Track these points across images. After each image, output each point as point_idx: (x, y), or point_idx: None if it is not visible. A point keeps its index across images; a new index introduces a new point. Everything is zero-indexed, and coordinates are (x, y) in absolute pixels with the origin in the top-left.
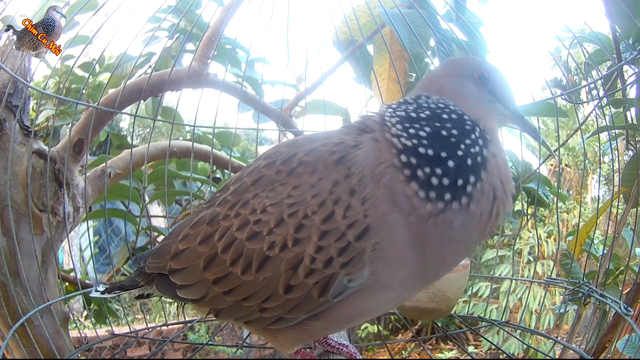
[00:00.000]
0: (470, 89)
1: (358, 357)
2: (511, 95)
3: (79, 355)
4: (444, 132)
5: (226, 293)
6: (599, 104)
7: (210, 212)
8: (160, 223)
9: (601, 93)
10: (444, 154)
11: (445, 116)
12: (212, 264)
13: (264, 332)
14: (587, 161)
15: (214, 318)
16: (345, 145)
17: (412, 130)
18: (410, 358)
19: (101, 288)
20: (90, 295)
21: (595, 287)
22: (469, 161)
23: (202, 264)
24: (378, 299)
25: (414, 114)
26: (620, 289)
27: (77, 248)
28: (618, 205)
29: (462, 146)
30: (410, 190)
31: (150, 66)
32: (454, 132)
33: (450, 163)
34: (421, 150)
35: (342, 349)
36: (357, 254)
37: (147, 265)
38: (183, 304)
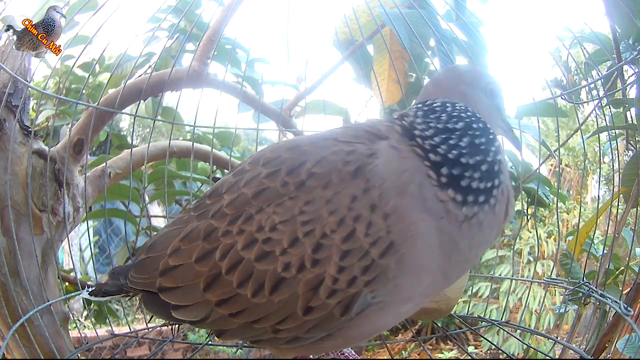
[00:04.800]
0: (485, 101)
1: (358, 358)
2: (505, 109)
3: (79, 355)
4: (476, 141)
5: (233, 315)
6: (599, 104)
7: (204, 226)
8: (160, 223)
9: (601, 93)
10: (479, 159)
11: (475, 125)
12: (215, 285)
13: (271, 348)
14: (587, 161)
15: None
16: (359, 154)
17: (452, 142)
18: (410, 358)
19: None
20: (82, 296)
21: (595, 287)
22: (495, 167)
23: (203, 284)
24: (396, 312)
25: (450, 125)
26: (620, 289)
27: (77, 248)
28: (618, 205)
29: (490, 153)
30: (446, 196)
31: (150, 66)
32: (483, 140)
33: (484, 167)
34: (463, 160)
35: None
36: (382, 271)
37: (129, 280)
38: (177, 324)
